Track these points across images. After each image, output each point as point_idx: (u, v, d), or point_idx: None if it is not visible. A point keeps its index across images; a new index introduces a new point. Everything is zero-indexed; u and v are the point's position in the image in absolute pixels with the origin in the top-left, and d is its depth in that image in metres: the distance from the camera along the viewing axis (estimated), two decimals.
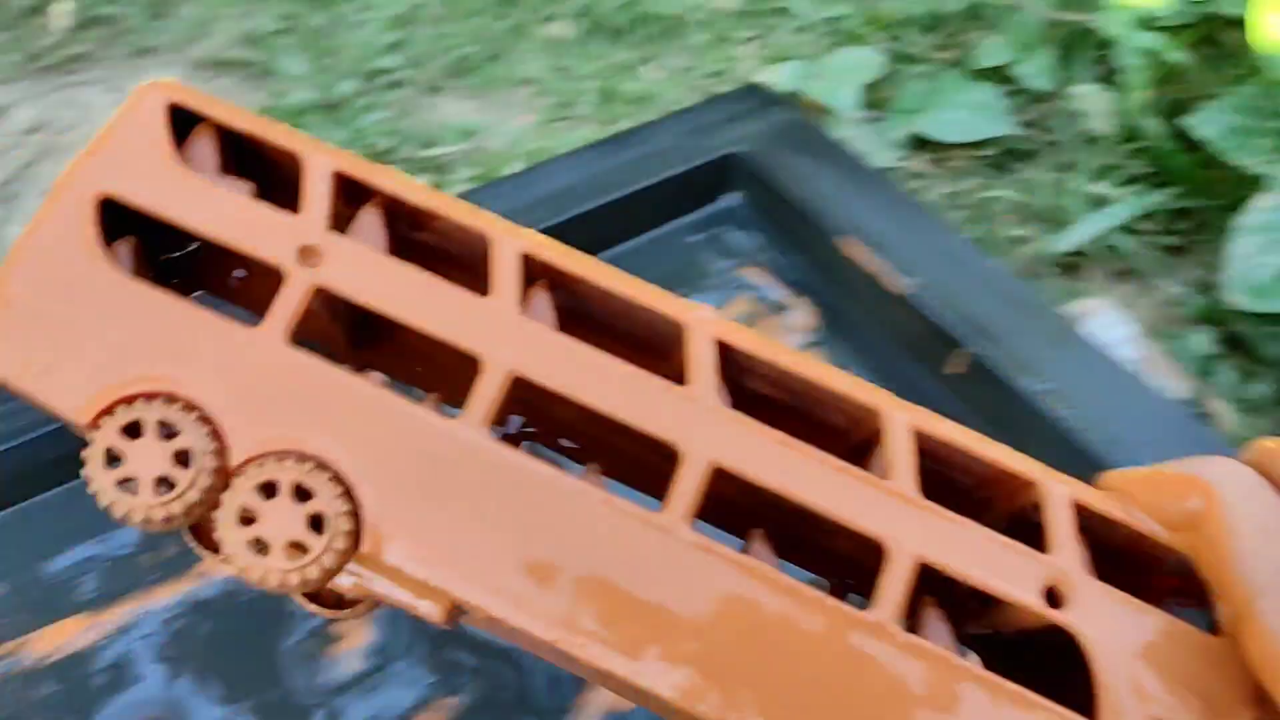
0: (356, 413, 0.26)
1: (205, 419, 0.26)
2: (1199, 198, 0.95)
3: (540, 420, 0.31)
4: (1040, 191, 1.02)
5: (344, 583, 0.28)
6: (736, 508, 0.29)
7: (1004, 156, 1.07)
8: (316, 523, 0.25)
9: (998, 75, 1.11)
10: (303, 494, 0.26)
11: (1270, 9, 0.92)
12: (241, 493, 0.25)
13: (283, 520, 0.25)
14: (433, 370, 0.30)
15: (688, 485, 0.27)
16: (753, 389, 0.30)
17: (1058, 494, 0.28)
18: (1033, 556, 0.27)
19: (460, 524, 0.26)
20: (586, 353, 0.28)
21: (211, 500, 0.26)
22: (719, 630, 0.25)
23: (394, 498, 0.26)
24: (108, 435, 0.26)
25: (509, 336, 0.28)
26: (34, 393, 0.27)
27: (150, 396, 0.26)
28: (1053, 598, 0.27)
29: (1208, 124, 0.91)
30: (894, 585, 0.26)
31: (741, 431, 0.27)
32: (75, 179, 0.28)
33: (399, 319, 0.28)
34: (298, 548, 0.25)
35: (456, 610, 0.27)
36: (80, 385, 0.26)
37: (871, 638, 0.26)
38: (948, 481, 0.29)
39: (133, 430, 0.26)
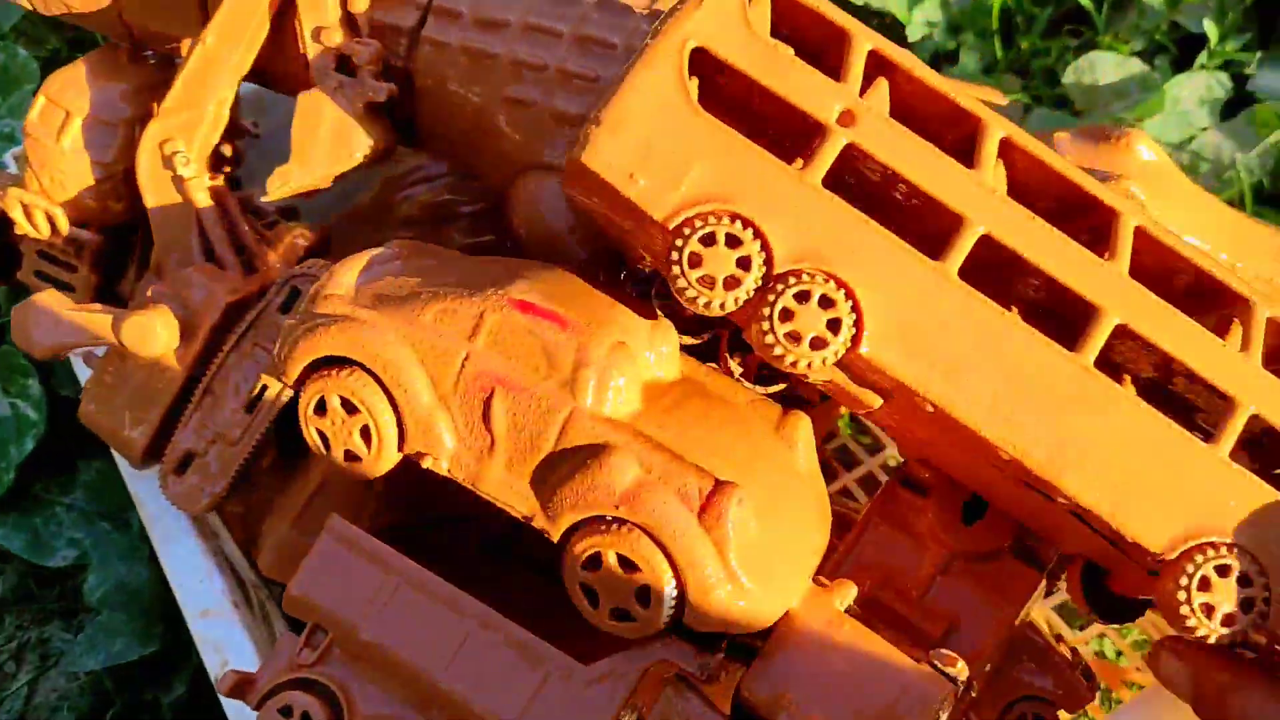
0: (869, 249, 0.37)
1: (760, 236, 0.37)
2: None
3: (992, 270, 0.40)
4: None
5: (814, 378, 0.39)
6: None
7: None
8: (834, 326, 0.37)
9: None
10: (826, 303, 0.37)
11: None
12: (784, 296, 0.37)
13: (811, 320, 0.37)
14: (918, 227, 0.39)
15: (1096, 341, 0.37)
16: None
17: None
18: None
19: (930, 342, 0.37)
20: (1032, 222, 0.37)
21: (758, 300, 0.37)
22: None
23: (887, 315, 0.37)
24: (692, 242, 0.37)
25: (984, 204, 0.37)
26: (628, 194, 0.37)
27: (721, 215, 0.37)
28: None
29: None
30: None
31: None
32: (674, 31, 0.37)
33: (910, 179, 0.37)
34: (818, 342, 0.36)
35: (896, 401, 0.38)
36: (666, 197, 0.37)
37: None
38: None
39: (708, 240, 0.37)
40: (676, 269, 0.37)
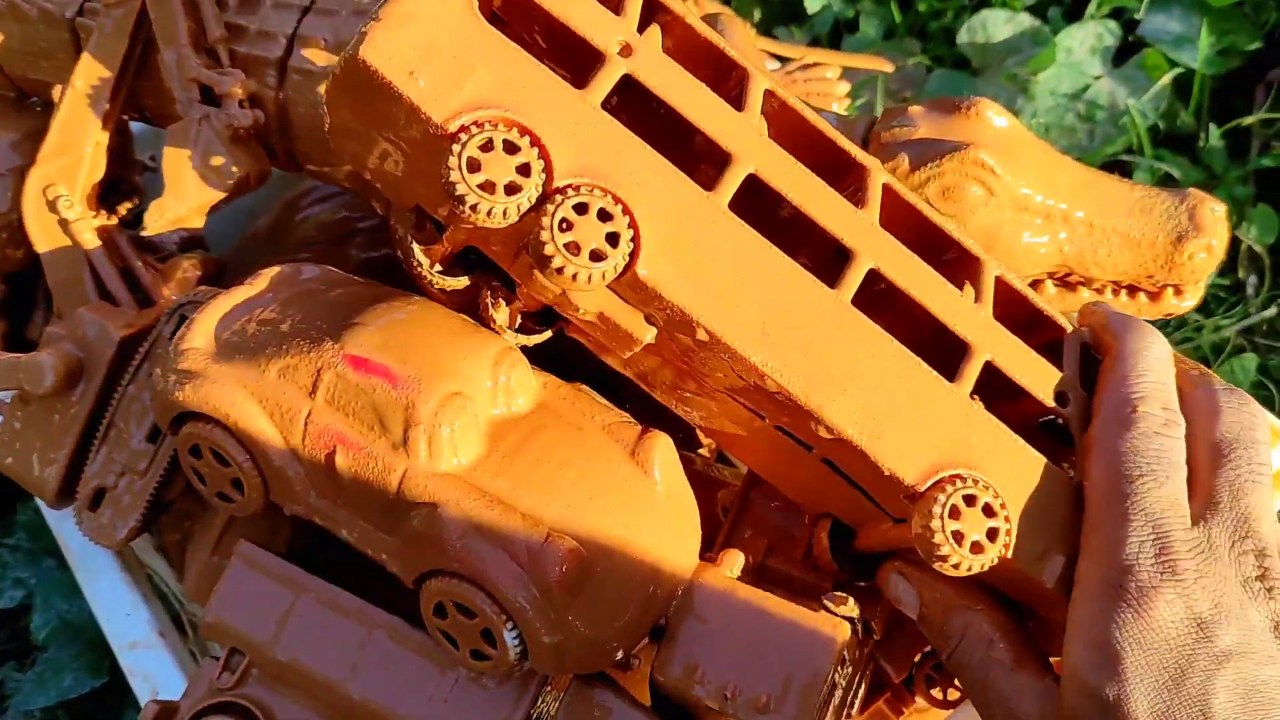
0: (646, 168, 0.38)
1: (539, 147, 0.37)
2: None
3: (760, 213, 0.42)
4: None
5: (587, 305, 0.39)
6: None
7: None
8: (612, 240, 0.37)
9: None
10: (604, 216, 0.37)
11: None
12: (563, 207, 0.36)
13: (590, 231, 0.36)
14: (694, 168, 0.41)
15: (852, 280, 0.39)
16: None
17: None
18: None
19: (704, 268, 0.38)
20: (797, 168, 0.39)
21: (536, 212, 0.36)
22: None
23: (664, 237, 0.37)
24: (470, 147, 0.36)
25: (752, 145, 0.39)
26: (407, 94, 0.36)
27: (498, 123, 0.36)
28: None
29: None
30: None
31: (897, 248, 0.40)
32: None
33: (679, 110, 0.38)
34: (597, 255, 0.36)
35: (667, 331, 0.39)
36: (446, 98, 0.36)
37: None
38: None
39: (486, 146, 0.36)
40: (455, 174, 0.35)
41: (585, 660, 0.41)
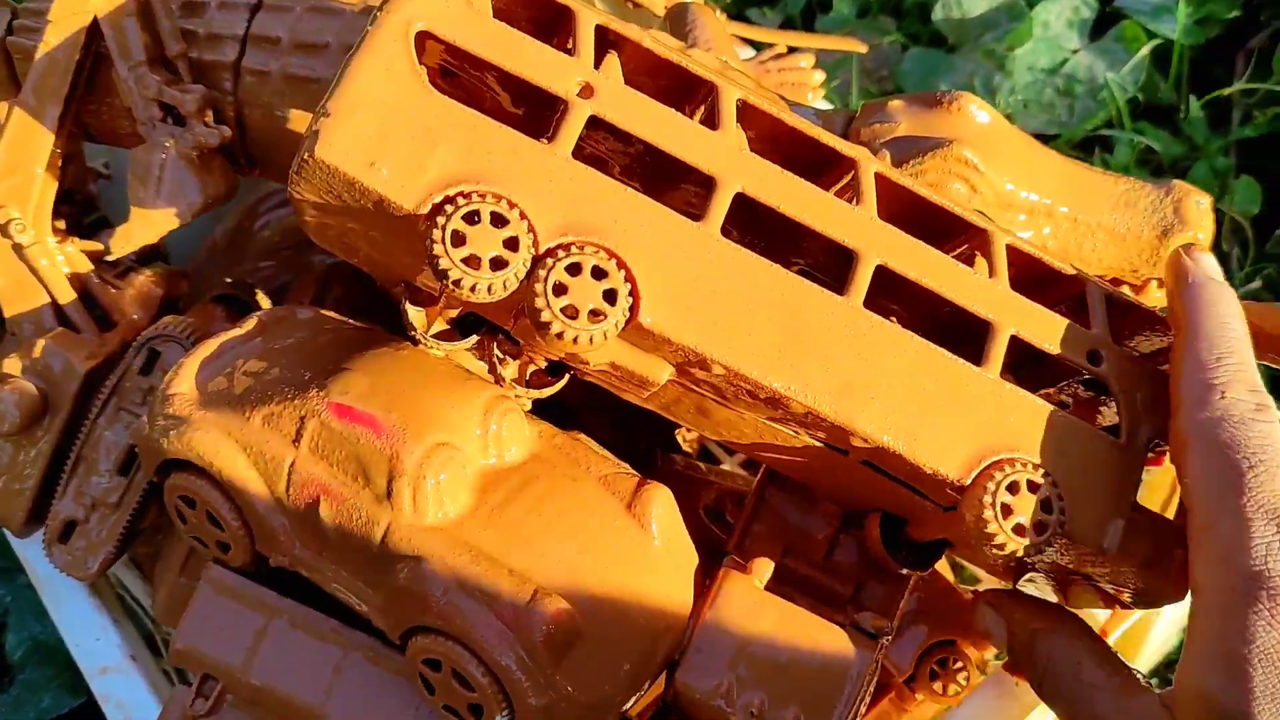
0: (632, 213, 0.37)
1: (522, 215, 0.36)
2: None
3: (754, 223, 0.41)
4: None
5: (597, 359, 0.38)
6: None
7: None
8: (610, 296, 0.36)
9: None
10: (598, 274, 0.36)
11: None
12: (555, 270, 0.36)
13: (586, 292, 0.35)
14: (676, 188, 0.40)
15: (861, 283, 0.37)
16: None
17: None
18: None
19: (708, 302, 0.37)
20: (785, 178, 0.37)
21: (529, 281, 0.36)
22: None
23: (661, 281, 0.36)
24: (454, 220, 0.35)
25: (733, 163, 0.37)
26: (374, 186, 0.36)
27: (479, 195, 0.36)
28: None
29: None
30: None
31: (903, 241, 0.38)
32: (396, 14, 0.37)
33: (654, 143, 0.37)
34: (596, 315, 0.36)
35: (683, 369, 0.38)
36: (413, 183, 0.36)
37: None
38: None
39: (471, 218, 0.35)
40: (439, 250, 0.34)
41: None
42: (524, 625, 0.37)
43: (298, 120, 0.50)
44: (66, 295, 0.51)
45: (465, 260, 0.35)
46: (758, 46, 0.68)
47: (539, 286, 0.36)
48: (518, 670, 0.37)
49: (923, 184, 0.44)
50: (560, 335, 0.36)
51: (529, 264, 0.36)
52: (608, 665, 0.39)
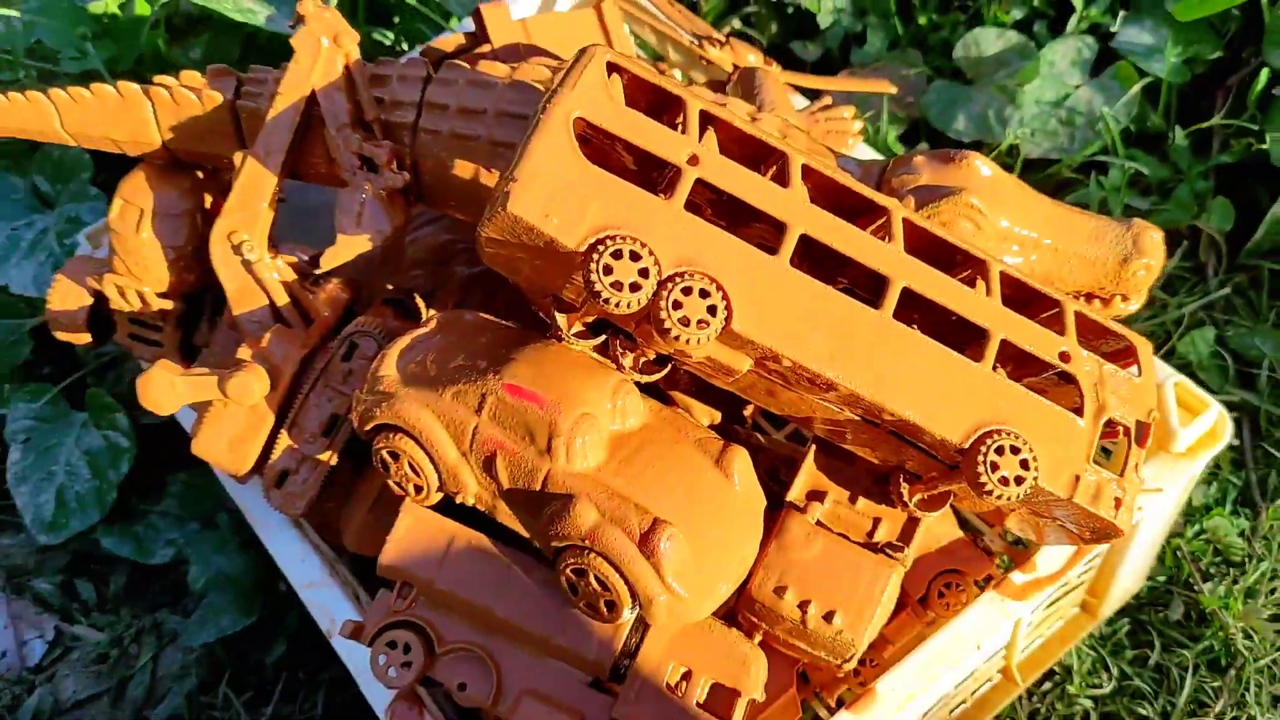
0: (728, 251, 0.52)
1: (650, 252, 0.52)
2: None
3: (812, 254, 0.56)
4: None
5: (698, 354, 0.54)
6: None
7: None
8: (712, 310, 0.52)
9: None
10: (704, 294, 0.52)
11: None
12: (674, 291, 0.51)
13: (695, 307, 0.51)
14: (752, 225, 0.55)
15: (890, 300, 0.53)
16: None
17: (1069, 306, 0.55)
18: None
19: (780, 314, 0.52)
20: (835, 222, 0.53)
21: (655, 298, 0.51)
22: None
23: (747, 299, 0.52)
24: (604, 257, 0.51)
25: (799, 213, 0.53)
26: (548, 231, 0.52)
27: (621, 238, 0.52)
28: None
29: None
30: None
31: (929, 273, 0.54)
32: (561, 106, 0.52)
33: (742, 199, 0.52)
34: (702, 323, 0.51)
35: (759, 362, 0.54)
36: (574, 229, 0.52)
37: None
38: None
39: (616, 255, 0.51)
40: (595, 277, 0.50)
41: (683, 616, 0.55)
42: (648, 543, 0.53)
43: (460, 168, 0.66)
44: (282, 299, 0.67)
45: (612, 284, 0.51)
46: (809, 95, 0.83)
47: (662, 303, 0.51)
48: (646, 575, 0.53)
49: (938, 224, 0.59)
50: (676, 337, 0.51)
51: (655, 287, 0.51)
52: (706, 576, 0.55)
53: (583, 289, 0.53)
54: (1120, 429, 0.57)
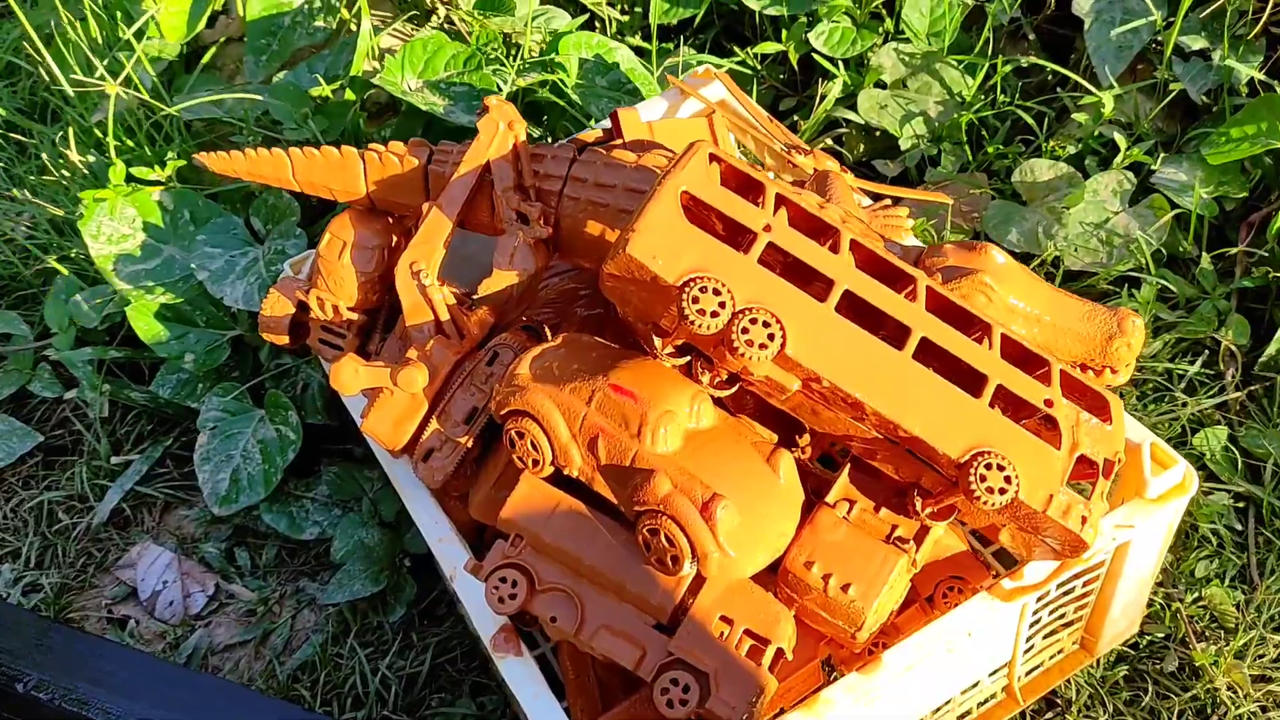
0: (788, 296, 0.70)
1: (729, 291, 0.70)
2: None
3: (853, 306, 0.73)
4: None
5: (758, 372, 0.72)
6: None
7: None
8: (771, 337, 0.69)
9: None
10: (766, 325, 0.69)
11: None
12: (743, 320, 0.69)
13: (759, 334, 0.69)
14: (810, 280, 0.73)
15: (910, 345, 0.70)
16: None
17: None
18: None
19: (825, 346, 0.69)
20: (873, 283, 0.70)
21: (729, 325, 0.70)
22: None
23: (800, 332, 0.69)
24: (694, 290, 0.70)
25: (846, 275, 0.70)
26: (653, 269, 0.71)
27: (707, 279, 0.70)
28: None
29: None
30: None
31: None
32: (673, 180, 0.71)
33: (801, 259, 0.71)
34: (763, 346, 0.69)
35: (806, 383, 0.71)
36: (673, 269, 0.70)
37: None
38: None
39: (703, 290, 0.70)
40: (685, 305, 0.69)
41: (730, 572, 0.72)
42: (708, 509, 0.70)
43: (591, 226, 0.86)
44: (444, 316, 0.87)
45: (699, 312, 0.69)
46: (875, 197, 1.01)
47: (735, 329, 0.69)
48: (704, 536, 0.70)
49: (957, 295, 0.76)
50: (743, 355, 0.69)
51: (730, 317, 0.70)
52: (750, 542, 0.72)
53: (676, 317, 0.72)
54: (1091, 465, 0.72)
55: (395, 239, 0.94)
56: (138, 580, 1.15)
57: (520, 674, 0.75)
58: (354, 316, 0.94)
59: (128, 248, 1.15)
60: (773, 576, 0.75)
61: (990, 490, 0.68)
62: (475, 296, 0.86)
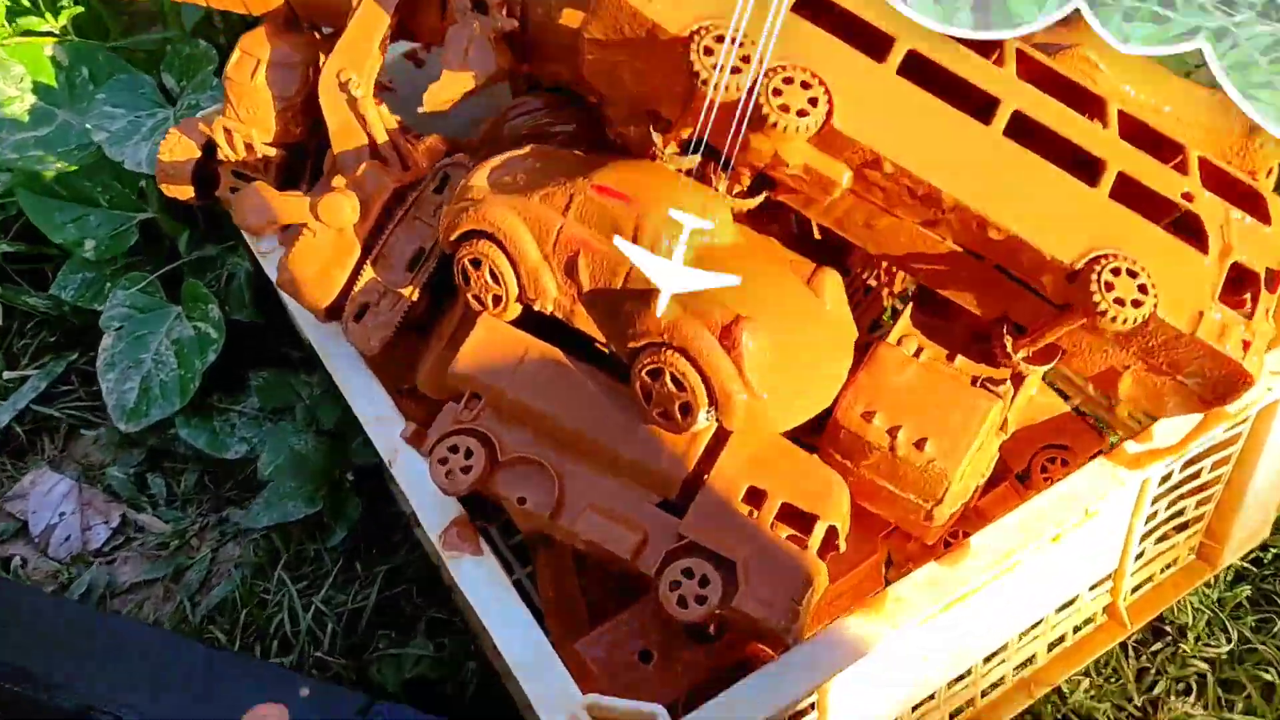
0: (832, 51, 0.51)
1: (753, 42, 0.50)
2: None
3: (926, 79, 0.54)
4: None
5: (795, 160, 0.52)
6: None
7: None
8: (814, 102, 0.50)
9: None
10: (805, 85, 0.50)
11: None
12: (775, 79, 0.50)
13: (795, 97, 0.50)
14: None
15: (1001, 118, 0.51)
16: None
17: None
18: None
19: (885, 118, 0.50)
20: (949, 42, 0.52)
21: (753, 85, 0.50)
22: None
23: (851, 98, 0.50)
24: (704, 40, 0.50)
25: (909, 28, 0.51)
26: (650, 16, 0.51)
27: (719, 28, 0.50)
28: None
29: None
30: None
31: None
32: None
33: (849, 8, 0.52)
34: (802, 113, 0.50)
35: (859, 172, 0.51)
36: (676, 16, 0.51)
37: None
38: None
39: (718, 39, 0.50)
40: (695, 58, 0.49)
41: (761, 422, 0.52)
42: (730, 334, 0.51)
43: (568, 18, 0.66)
44: (381, 137, 0.68)
45: (713, 67, 0.50)
46: None
47: (762, 89, 0.50)
48: (725, 370, 0.51)
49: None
50: (775, 124, 0.50)
51: (759, 72, 0.50)
52: (788, 382, 0.52)
53: (680, 96, 0.53)
54: (1246, 278, 0.53)
55: (322, 57, 0.75)
56: (29, 513, 0.95)
57: (477, 576, 0.56)
58: (272, 153, 0.75)
59: (14, 111, 0.96)
60: (815, 441, 0.56)
61: (1119, 303, 0.49)
62: (420, 109, 0.66)
